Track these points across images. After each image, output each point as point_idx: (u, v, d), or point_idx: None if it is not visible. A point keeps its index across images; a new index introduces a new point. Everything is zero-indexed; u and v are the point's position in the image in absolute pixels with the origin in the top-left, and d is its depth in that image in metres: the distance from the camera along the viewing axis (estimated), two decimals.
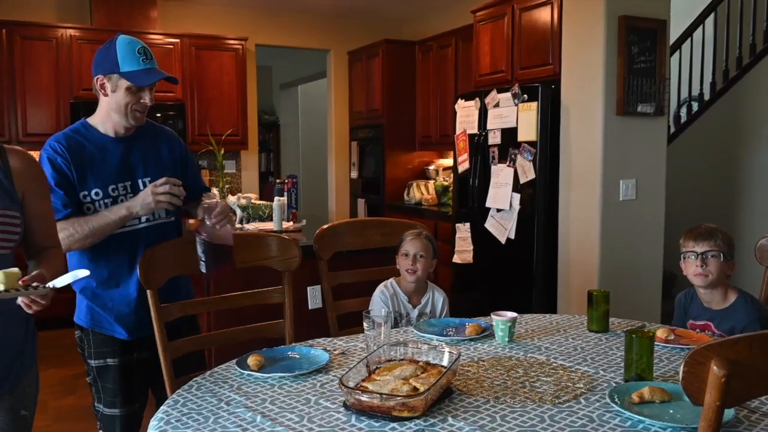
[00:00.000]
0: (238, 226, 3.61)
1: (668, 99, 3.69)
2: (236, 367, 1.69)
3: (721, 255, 2.11)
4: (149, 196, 1.91)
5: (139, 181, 2.02)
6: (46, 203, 1.66)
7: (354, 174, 6.55)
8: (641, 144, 3.60)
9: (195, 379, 1.64)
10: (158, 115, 5.34)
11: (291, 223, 3.68)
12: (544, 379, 1.62)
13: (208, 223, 1.95)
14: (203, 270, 1.96)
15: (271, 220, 3.91)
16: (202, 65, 5.64)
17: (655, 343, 1.70)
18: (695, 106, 5.22)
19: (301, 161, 8.84)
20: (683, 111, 5.32)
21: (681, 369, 1.04)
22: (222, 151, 4.26)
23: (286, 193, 3.79)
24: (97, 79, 1.96)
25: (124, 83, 1.92)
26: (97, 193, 1.96)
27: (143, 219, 2.01)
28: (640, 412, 1.37)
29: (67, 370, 3.98)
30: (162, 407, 1.46)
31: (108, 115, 1.99)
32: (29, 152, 1.63)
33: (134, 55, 1.92)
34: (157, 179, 1.98)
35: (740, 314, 2.10)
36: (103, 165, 1.97)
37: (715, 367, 1.00)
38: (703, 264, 2.12)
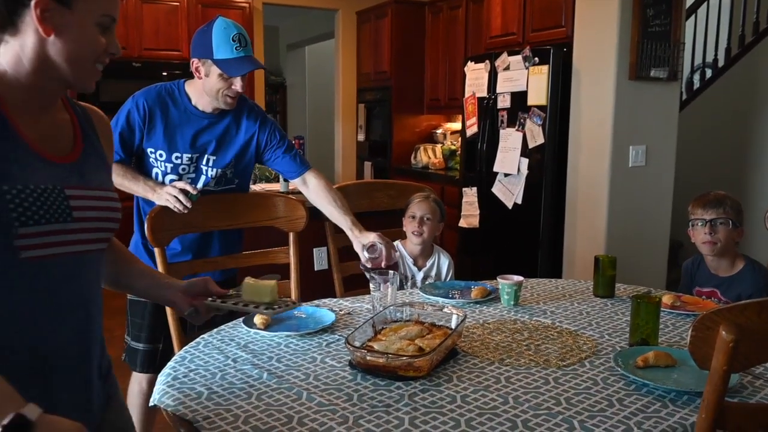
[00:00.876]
0: None
1: (682, 64, 3.62)
2: (243, 326, 1.70)
3: (730, 222, 2.10)
4: (163, 192, 1.95)
5: (205, 157, 2.07)
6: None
7: (361, 137, 6.50)
8: (653, 110, 3.55)
9: (202, 336, 1.66)
10: (164, 74, 5.29)
11: None
12: (549, 342, 1.63)
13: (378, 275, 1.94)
14: None
15: (278, 181, 3.90)
16: None
17: (661, 309, 1.70)
18: (708, 72, 5.13)
19: (307, 123, 8.78)
20: (696, 77, 5.24)
21: (689, 333, 1.04)
22: None
23: None
24: (193, 61, 2.00)
25: (217, 70, 1.95)
26: (161, 155, 2.03)
27: (211, 184, 2.08)
28: (644, 375, 1.37)
29: None
30: (170, 363, 1.48)
31: (201, 94, 2.03)
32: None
33: (229, 42, 1.93)
34: (221, 158, 2.08)
35: (747, 281, 2.10)
36: (178, 133, 2.03)
37: (723, 332, 1.00)
38: (711, 231, 2.11)
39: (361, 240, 2.02)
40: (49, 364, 1.00)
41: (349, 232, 2.08)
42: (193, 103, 2.05)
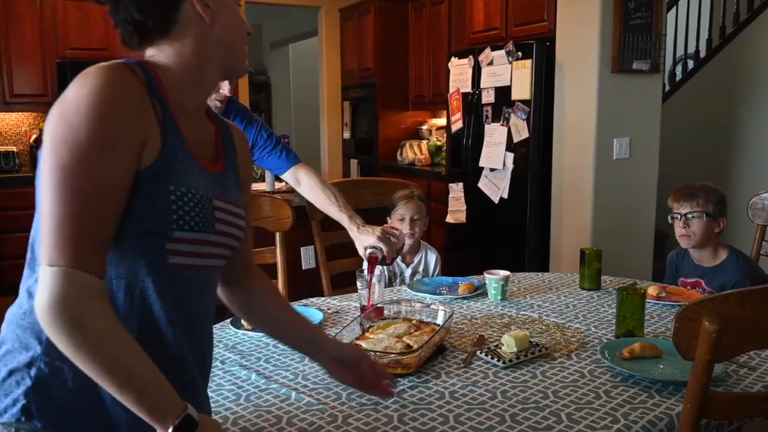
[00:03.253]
0: None
1: (664, 56, 3.65)
2: (231, 327, 1.70)
3: (704, 215, 2.10)
4: None
5: None
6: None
7: (346, 134, 6.49)
8: (636, 102, 3.57)
9: None
10: None
11: (284, 183, 3.66)
12: (537, 336, 1.64)
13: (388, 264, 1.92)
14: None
15: (264, 180, 3.89)
16: None
17: (647, 300, 1.71)
18: (690, 63, 5.17)
19: (293, 121, 8.75)
20: (678, 69, 5.27)
21: (672, 324, 1.05)
22: None
23: None
24: None
25: None
26: None
27: None
28: (630, 367, 1.39)
29: None
30: None
31: None
32: None
33: None
34: None
35: (731, 271, 2.12)
36: None
37: (706, 323, 1.01)
38: (685, 225, 2.13)
39: (362, 242, 1.93)
40: (183, 374, 0.98)
41: (348, 231, 2.01)
42: None
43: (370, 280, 1.74)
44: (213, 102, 1.98)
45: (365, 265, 1.86)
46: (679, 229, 2.15)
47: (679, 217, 2.14)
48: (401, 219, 2.33)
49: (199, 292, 0.99)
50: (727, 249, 2.17)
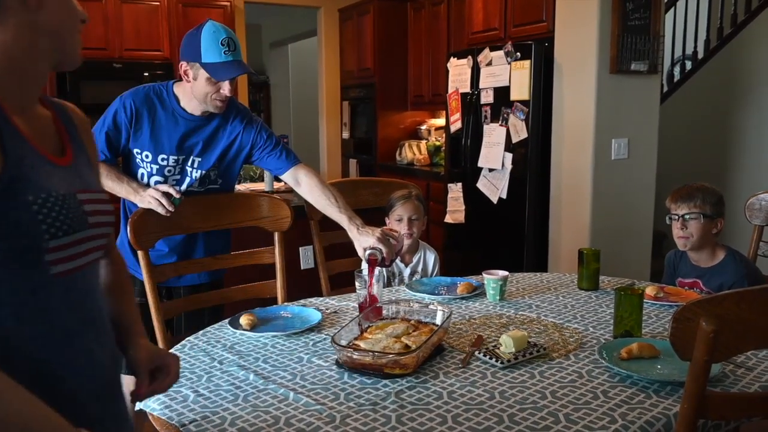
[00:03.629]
0: None
1: (662, 57, 3.65)
2: (229, 327, 1.70)
3: (702, 216, 2.10)
4: (146, 194, 1.94)
5: (191, 158, 2.07)
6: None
7: (345, 134, 6.49)
8: (634, 103, 3.58)
9: (188, 338, 1.65)
10: (146, 74, 5.25)
11: (282, 183, 3.66)
12: (535, 336, 1.64)
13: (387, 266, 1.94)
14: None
15: (263, 180, 3.89)
16: (189, 23, 5.49)
17: (645, 300, 1.72)
18: (689, 64, 5.18)
19: (292, 121, 8.75)
20: (677, 69, 5.28)
21: (670, 325, 1.05)
22: None
23: None
24: (181, 65, 1.98)
25: (205, 74, 1.93)
26: (147, 156, 2.03)
27: (195, 185, 2.07)
28: (628, 367, 1.39)
29: None
30: None
31: (190, 97, 2.01)
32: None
33: (217, 46, 1.91)
34: (207, 160, 2.07)
35: (728, 271, 2.12)
36: (165, 134, 2.02)
37: (703, 323, 1.02)
38: (683, 227, 2.13)
39: (362, 243, 1.95)
40: (93, 384, 0.94)
41: (348, 232, 2.03)
42: (182, 105, 2.03)
43: (370, 281, 1.74)
44: (214, 102, 1.97)
45: (364, 265, 1.87)
46: (677, 230, 2.15)
47: (676, 218, 2.14)
48: (399, 219, 2.33)
49: (88, 291, 0.95)
50: (725, 249, 2.17)
